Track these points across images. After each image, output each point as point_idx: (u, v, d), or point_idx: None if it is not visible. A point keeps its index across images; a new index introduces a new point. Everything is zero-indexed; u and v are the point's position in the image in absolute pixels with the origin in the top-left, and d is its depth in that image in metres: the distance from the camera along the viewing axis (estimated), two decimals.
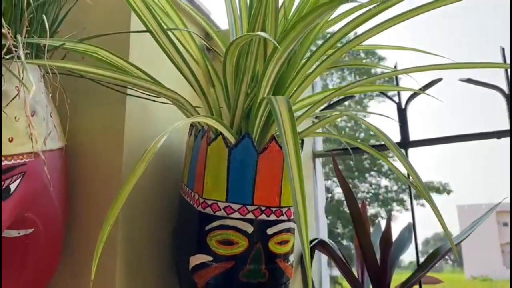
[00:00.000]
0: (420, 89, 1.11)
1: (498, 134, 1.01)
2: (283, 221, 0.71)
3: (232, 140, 0.68)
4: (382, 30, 0.68)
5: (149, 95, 0.77)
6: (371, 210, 16.78)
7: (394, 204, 16.69)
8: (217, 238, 0.69)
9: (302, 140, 0.76)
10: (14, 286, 0.68)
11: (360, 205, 1.04)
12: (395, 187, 17.02)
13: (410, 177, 0.72)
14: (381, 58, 18.36)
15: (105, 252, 0.69)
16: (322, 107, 1.16)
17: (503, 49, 1.02)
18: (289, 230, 0.73)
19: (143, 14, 0.69)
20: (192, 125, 0.78)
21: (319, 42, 0.75)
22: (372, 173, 17.77)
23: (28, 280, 0.67)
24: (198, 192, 0.71)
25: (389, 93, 1.23)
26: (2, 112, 0.54)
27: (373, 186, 17.44)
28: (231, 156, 0.68)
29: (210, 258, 0.69)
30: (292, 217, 0.73)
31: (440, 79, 1.07)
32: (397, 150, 0.66)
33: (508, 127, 1.01)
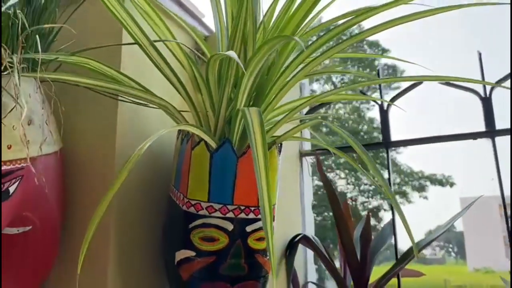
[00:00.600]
0: (396, 96, 1.16)
1: (474, 136, 1.06)
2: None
3: (213, 145, 0.74)
4: (357, 40, 0.73)
5: (139, 102, 0.82)
6: (373, 203, 16.81)
7: (397, 196, 16.72)
8: (200, 235, 0.75)
9: (281, 144, 0.82)
10: (13, 280, 0.74)
11: (342, 204, 1.10)
12: (398, 180, 17.06)
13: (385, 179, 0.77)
14: (384, 50, 18.26)
15: (98, 245, 0.75)
16: (307, 110, 1.22)
17: (480, 54, 1.06)
18: None
19: (130, 27, 0.74)
20: (180, 130, 0.84)
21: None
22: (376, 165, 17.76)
23: (27, 274, 0.73)
24: (183, 193, 0.77)
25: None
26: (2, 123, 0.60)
27: (376, 179, 17.45)
28: (213, 160, 0.74)
29: (194, 253, 0.75)
30: None
31: (420, 82, 1.12)
32: (365, 154, 0.72)
33: (483, 129, 1.06)
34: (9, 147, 0.62)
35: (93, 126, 0.85)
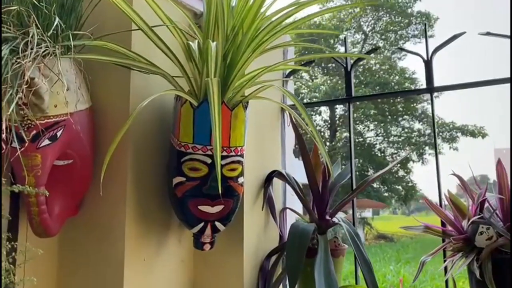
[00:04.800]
0: (366, 53, 1.40)
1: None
2: (232, 156, 1.07)
3: (195, 103, 1.04)
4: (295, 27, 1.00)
5: (145, 71, 1.12)
6: (402, 154, 16.88)
7: (427, 148, 16.73)
8: (188, 166, 1.06)
9: (247, 102, 1.10)
10: (63, 195, 1.08)
11: (313, 151, 1.38)
12: (428, 131, 16.97)
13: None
14: None
15: (119, 170, 1.08)
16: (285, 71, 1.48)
17: None
18: (237, 162, 1.09)
19: (133, 18, 1.02)
20: None
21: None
22: (406, 116, 17.69)
23: (71, 191, 1.08)
24: (176, 137, 1.08)
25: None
26: (49, 90, 0.91)
27: (406, 130, 17.45)
28: (195, 114, 1.04)
29: (184, 179, 1.06)
30: (239, 153, 1.09)
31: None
32: (304, 111, 0.99)
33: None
34: (55, 106, 0.94)
35: (112, 90, 1.16)
